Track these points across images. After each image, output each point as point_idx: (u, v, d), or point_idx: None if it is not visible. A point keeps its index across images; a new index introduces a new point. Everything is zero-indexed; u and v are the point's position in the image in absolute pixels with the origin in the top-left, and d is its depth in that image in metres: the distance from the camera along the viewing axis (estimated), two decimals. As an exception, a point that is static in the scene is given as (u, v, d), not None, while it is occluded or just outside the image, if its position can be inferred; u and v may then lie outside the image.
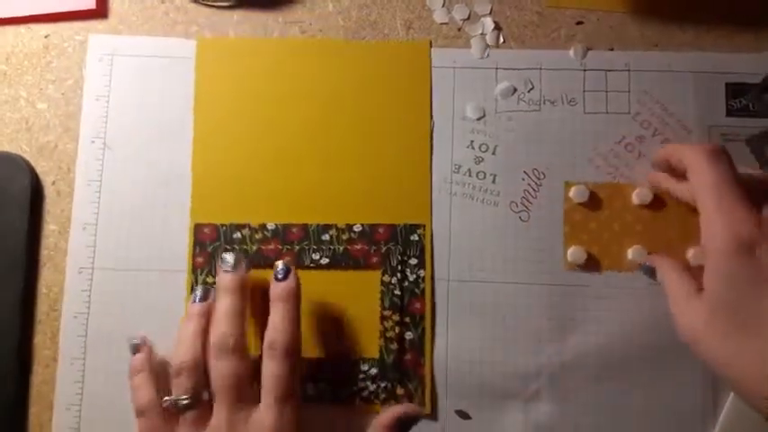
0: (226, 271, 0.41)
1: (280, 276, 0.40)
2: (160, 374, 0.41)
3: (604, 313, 0.44)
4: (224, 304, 0.40)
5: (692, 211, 0.44)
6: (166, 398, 0.38)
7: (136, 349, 0.42)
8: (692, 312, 0.37)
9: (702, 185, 0.37)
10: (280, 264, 0.41)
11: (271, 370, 0.38)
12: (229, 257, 0.41)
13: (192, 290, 0.42)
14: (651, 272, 0.42)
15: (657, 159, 0.43)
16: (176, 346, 0.39)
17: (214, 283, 0.44)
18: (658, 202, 0.45)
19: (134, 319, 0.44)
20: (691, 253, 0.44)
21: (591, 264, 0.44)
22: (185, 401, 0.38)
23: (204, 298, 0.41)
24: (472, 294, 0.44)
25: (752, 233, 0.35)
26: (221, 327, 0.39)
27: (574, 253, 0.44)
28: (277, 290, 0.40)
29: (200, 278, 0.44)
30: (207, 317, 0.40)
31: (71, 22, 0.47)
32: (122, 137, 0.46)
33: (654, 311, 0.44)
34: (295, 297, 0.40)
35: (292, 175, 0.45)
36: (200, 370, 0.38)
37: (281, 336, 0.38)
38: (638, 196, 0.44)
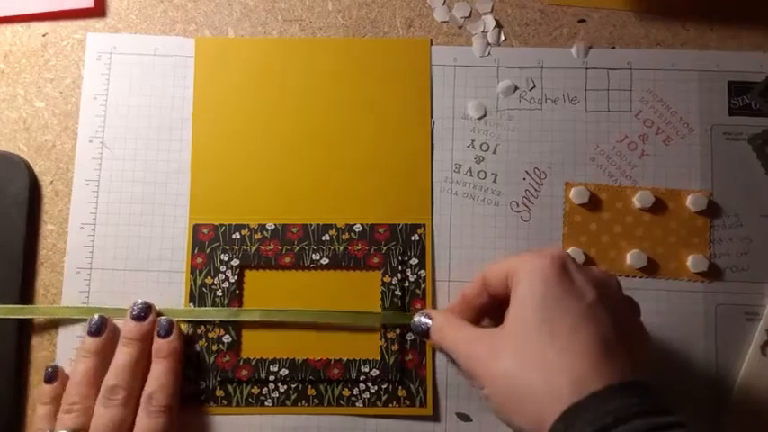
0: (133, 318, 0.42)
1: (162, 333, 0.42)
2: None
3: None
4: (123, 355, 0.41)
5: (694, 216, 0.44)
6: (49, 429, 0.40)
7: (49, 377, 0.41)
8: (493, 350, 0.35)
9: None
10: (163, 319, 0.42)
11: (145, 425, 0.39)
12: (138, 306, 0.42)
13: (89, 320, 0.42)
14: (424, 332, 0.41)
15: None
16: (70, 383, 0.41)
17: (212, 284, 0.44)
18: (660, 206, 0.44)
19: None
20: (690, 259, 0.44)
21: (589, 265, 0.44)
22: None
23: (98, 332, 0.41)
24: (473, 294, 0.44)
25: (561, 253, 0.36)
26: (114, 378, 0.40)
27: (572, 254, 0.44)
28: (159, 347, 0.41)
29: (199, 279, 0.44)
30: (102, 354, 0.41)
31: (69, 20, 0.47)
32: (121, 136, 0.46)
33: (652, 314, 0.43)
34: (176, 354, 0.41)
35: (292, 174, 0.45)
36: (88, 414, 0.39)
37: (159, 392, 0.40)
38: (639, 199, 0.44)
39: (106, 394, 0.39)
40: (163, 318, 0.42)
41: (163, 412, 0.39)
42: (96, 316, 0.42)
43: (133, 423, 0.39)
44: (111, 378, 0.40)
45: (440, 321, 0.40)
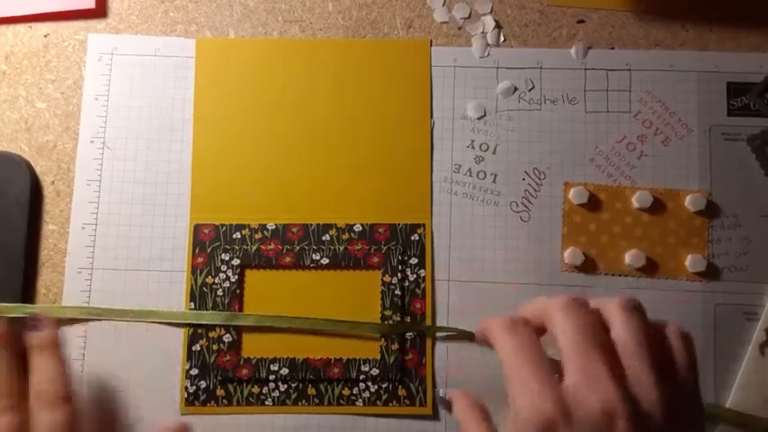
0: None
1: (32, 328, 0.39)
2: None
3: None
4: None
5: (693, 216, 0.44)
6: None
7: None
8: None
9: (503, 355, 0.33)
10: (30, 316, 0.40)
11: (43, 420, 0.36)
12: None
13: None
14: (448, 405, 0.38)
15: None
16: None
17: (213, 284, 0.44)
18: (659, 206, 0.45)
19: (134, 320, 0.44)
20: (689, 259, 0.44)
21: (588, 266, 0.44)
22: None
23: None
24: (472, 294, 0.44)
25: (553, 411, 0.29)
26: None
27: (571, 254, 0.44)
28: (34, 341, 0.38)
29: (200, 278, 0.44)
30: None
31: (71, 21, 0.47)
32: (122, 136, 0.46)
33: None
34: (52, 344, 0.39)
35: (292, 174, 0.45)
36: None
37: (47, 384, 0.37)
38: (638, 200, 0.44)
39: None
40: (31, 314, 0.41)
41: (58, 404, 0.36)
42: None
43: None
44: None
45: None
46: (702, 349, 0.43)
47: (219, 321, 0.43)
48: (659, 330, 0.33)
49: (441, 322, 0.44)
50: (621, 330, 0.31)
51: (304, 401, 0.43)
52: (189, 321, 0.43)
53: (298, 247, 0.44)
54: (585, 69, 0.46)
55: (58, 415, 0.36)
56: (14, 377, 0.38)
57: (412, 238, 0.45)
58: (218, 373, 0.43)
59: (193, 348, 0.43)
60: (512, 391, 0.31)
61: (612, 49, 0.47)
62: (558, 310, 0.32)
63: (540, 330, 0.34)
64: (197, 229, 0.45)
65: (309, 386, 0.43)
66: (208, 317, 0.43)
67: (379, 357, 0.43)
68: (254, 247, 0.44)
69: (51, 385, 0.37)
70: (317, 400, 0.43)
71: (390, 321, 0.43)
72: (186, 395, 0.43)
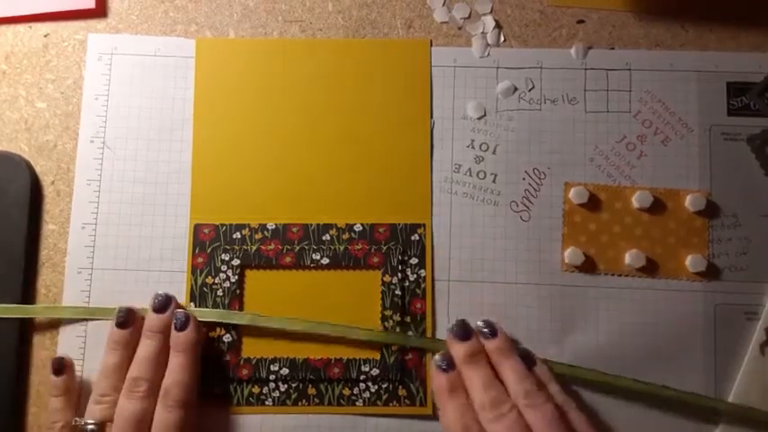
0: (154, 310, 0.42)
1: (178, 326, 0.41)
2: (76, 392, 0.42)
3: (603, 314, 0.44)
4: (145, 348, 0.41)
5: (693, 216, 0.44)
6: (77, 419, 0.40)
7: (58, 369, 0.42)
8: None
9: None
10: (179, 313, 0.42)
11: (161, 418, 0.39)
12: (159, 298, 0.42)
13: (117, 312, 0.42)
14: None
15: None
16: (100, 374, 0.41)
17: (213, 284, 0.44)
18: (658, 206, 0.45)
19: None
20: (689, 259, 0.44)
21: (588, 265, 0.44)
22: (91, 427, 0.39)
23: (124, 324, 0.42)
24: (472, 294, 0.44)
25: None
26: (137, 370, 0.40)
27: (571, 254, 0.44)
28: (176, 340, 0.41)
29: (200, 278, 0.44)
30: (129, 347, 0.41)
31: (71, 21, 0.47)
32: (122, 136, 0.46)
33: (651, 314, 0.44)
34: (192, 347, 0.41)
35: (292, 174, 0.45)
36: (116, 406, 0.40)
37: (175, 387, 0.40)
38: (638, 199, 0.44)
39: (129, 386, 0.40)
40: (180, 311, 0.42)
41: (178, 407, 0.39)
42: (123, 307, 0.42)
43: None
44: (134, 370, 0.40)
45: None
46: (702, 349, 0.43)
47: (214, 318, 0.43)
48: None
49: (441, 322, 0.44)
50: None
51: (304, 401, 0.43)
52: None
53: (298, 247, 0.44)
54: (585, 69, 0.46)
55: (173, 416, 0.39)
56: (158, 366, 0.41)
57: (412, 238, 0.45)
58: (218, 372, 0.43)
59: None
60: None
61: (612, 49, 0.47)
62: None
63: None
64: (197, 229, 0.45)
65: (309, 386, 0.43)
66: (205, 314, 0.43)
67: (379, 357, 0.43)
68: (255, 247, 0.44)
69: (177, 389, 0.40)
70: (317, 400, 0.43)
71: (390, 321, 0.43)
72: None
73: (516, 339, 0.43)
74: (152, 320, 0.42)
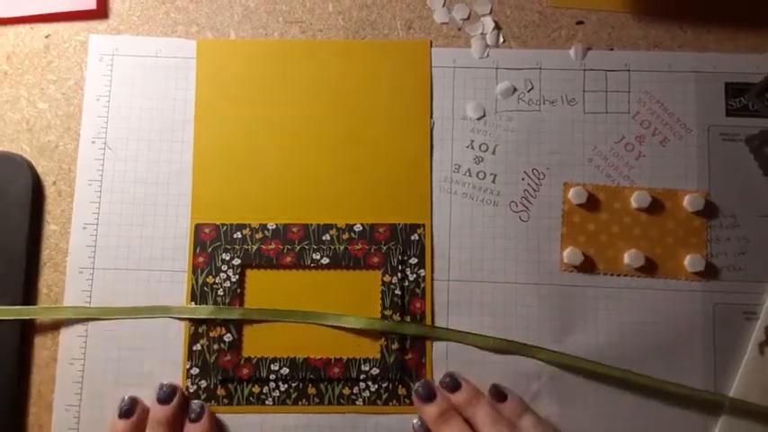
0: (159, 401, 0.41)
1: (193, 416, 0.41)
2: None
3: (602, 314, 0.44)
4: None
5: (691, 216, 0.44)
6: None
7: (127, 411, 0.41)
8: None
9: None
10: (195, 404, 0.42)
11: None
12: (164, 389, 0.42)
13: (120, 403, 0.42)
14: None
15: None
16: None
17: (213, 284, 0.44)
18: (657, 206, 0.45)
19: (134, 320, 0.44)
20: (688, 259, 0.44)
21: (587, 265, 0.44)
22: None
23: (128, 414, 0.41)
24: (472, 294, 0.44)
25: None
26: None
27: (570, 254, 0.44)
28: (190, 430, 0.41)
29: (201, 278, 0.44)
30: None
31: (72, 22, 0.48)
32: (123, 137, 0.46)
33: (650, 313, 0.44)
34: None
35: (292, 174, 0.46)
36: None
37: None
38: (636, 200, 0.45)
39: None
40: (196, 402, 0.42)
41: None
42: (126, 398, 0.42)
43: None
44: None
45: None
46: (701, 348, 0.43)
47: (207, 315, 0.43)
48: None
49: (440, 322, 0.44)
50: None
51: (304, 401, 0.43)
52: (184, 316, 0.43)
53: (298, 247, 0.45)
54: (584, 70, 0.47)
55: None
56: None
57: (412, 237, 0.45)
58: (218, 372, 0.43)
59: (194, 348, 0.43)
60: None
61: (611, 50, 0.47)
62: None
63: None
64: (198, 229, 0.45)
65: (310, 386, 0.43)
66: (200, 311, 0.43)
67: (379, 357, 0.43)
68: (255, 247, 0.44)
69: None
70: (317, 400, 0.43)
71: (390, 321, 0.43)
72: (187, 394, 0.43)
73: (515, 340, 0.43)
74: (156, 412, 0.41)
